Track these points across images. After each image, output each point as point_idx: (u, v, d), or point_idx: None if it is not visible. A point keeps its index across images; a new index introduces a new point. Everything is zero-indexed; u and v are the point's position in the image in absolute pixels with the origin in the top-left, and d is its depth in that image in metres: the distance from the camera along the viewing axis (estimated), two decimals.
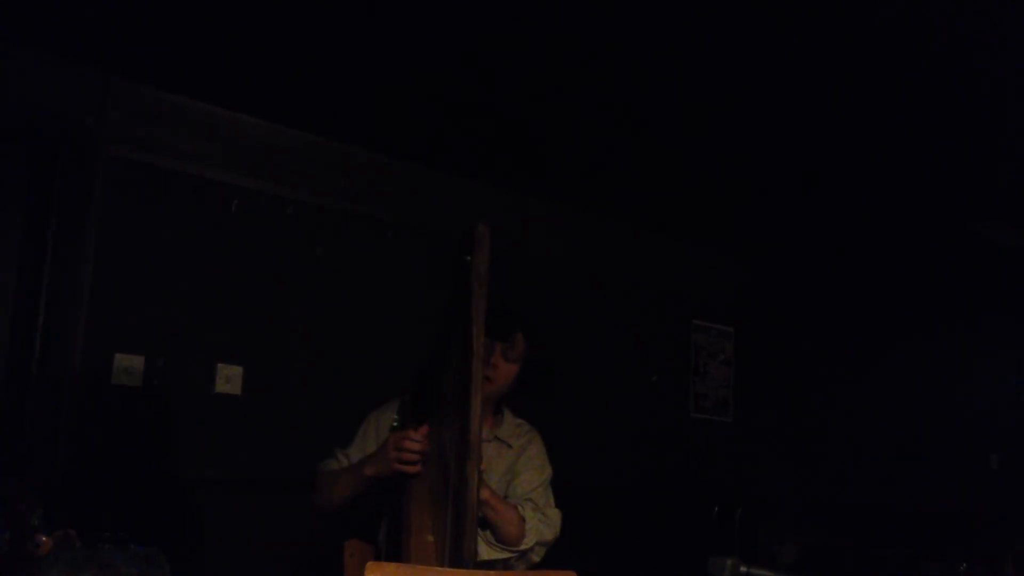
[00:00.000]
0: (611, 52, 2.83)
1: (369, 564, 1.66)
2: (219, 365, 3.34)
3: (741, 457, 5.15)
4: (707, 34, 2.69)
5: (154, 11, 2.69)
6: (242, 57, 3.00)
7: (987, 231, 4.32)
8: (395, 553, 2.11)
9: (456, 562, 1.80)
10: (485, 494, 2.20)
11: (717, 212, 4.53)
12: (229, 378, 3.35)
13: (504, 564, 2.31)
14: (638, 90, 3.12)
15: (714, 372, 5.20)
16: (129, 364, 3.13)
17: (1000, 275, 4.99)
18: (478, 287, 1.83)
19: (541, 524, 2.36)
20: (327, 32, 2.78)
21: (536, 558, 2.37)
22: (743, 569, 1.84)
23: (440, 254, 1.99)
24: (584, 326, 4.50)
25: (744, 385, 5.32)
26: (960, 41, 2.61)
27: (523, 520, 2.31)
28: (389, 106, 3.37)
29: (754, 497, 4.89)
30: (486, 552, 2.26)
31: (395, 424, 2.34)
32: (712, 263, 5.20)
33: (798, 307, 5.49)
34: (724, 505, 4.74)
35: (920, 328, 5.43)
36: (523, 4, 2.56)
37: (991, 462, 5.25)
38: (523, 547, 2.31)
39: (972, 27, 2.52)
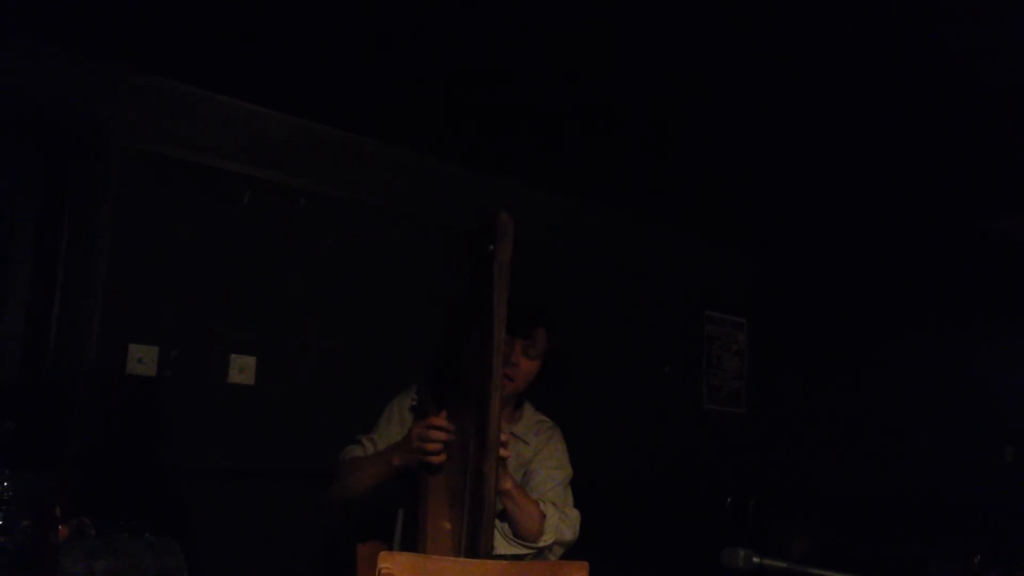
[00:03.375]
0: (629, 46, 2.81)
1: (381, 554, 1.63)
2: (232, 355, 3.34)
3: (754, 448, 5.13)
4: (721, 32, 2.67)
5: (167, 2, 2.69)
6: (255, 48, 2.99)
7: (1001, 225, 4.29)
8: (411, 543, 2.07)
9: (472, 556, 1.76)
10: (508, 484, 2.14)
11: (731, 205, 4.50)
12: (243, 368, 3.35)
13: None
14: (652, 85, 3.10)
15: (727, 363, 5.18)
16: (143, 354, 3.14)
17: (1015, 268, 4.95)
18: (500, 278, 1.73)
19: (561, 523, 2.28)
20: (340, 22, 2.78)
21: (553, 558, 2.29)
22: (756, 560, 1.84)
23: (454, 246, 1.95)
24: (596, 318, 4.48)
25: (757, 376, 5.29)
26: (964, 39, 2.59)
27: (544, 516, 2.24)
28: (403, 97, 3.36)
29: (767, 488, 4.87)
30: (503, 547, 2.19)
31: (413, 404, 2.30)
32: (725, 255, 5.17)
33: (811, 298, 5.46)
34: (737, 496, 4.73)
35: (935, 320, 5.39)
36: None
37: (1006, 455, 5.22)
38: (541, 544, 2.24)
39: (979, 23, 2.50)
